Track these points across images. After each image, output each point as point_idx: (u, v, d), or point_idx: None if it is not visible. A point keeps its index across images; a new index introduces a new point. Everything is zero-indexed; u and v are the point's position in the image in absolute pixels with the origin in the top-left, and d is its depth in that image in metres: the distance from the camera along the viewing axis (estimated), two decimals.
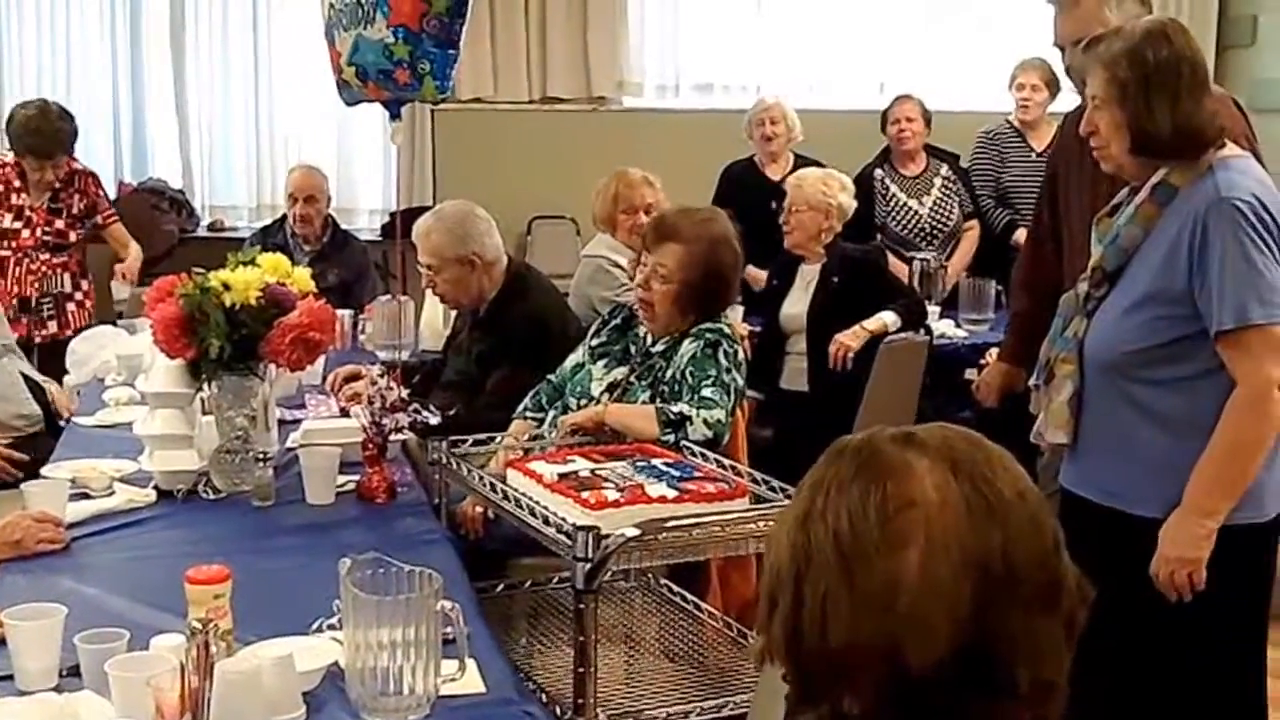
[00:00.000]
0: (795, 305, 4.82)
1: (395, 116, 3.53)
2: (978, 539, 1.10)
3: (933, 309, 5.25)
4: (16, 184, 5.21)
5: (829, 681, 1.13)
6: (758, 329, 4.93)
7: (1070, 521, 2.79)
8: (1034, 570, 1.12)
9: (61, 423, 4.03)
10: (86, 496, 3.09)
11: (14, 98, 6.76)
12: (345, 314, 4.94)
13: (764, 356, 4.79)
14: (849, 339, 4.59)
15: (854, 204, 4.92)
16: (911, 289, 5.09)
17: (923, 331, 4.83)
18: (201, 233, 7.74)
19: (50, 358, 4.92)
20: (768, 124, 5.94)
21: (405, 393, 3.19)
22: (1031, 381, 2.83)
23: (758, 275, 5.16)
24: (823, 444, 4.20)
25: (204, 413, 3.29)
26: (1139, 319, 2.58)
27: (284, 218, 5.64)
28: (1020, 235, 5.43)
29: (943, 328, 5.15)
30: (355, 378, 4.13)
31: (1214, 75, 8.29)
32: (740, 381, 3.34)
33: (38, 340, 5.08)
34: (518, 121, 7.84)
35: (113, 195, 7.85)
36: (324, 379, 4.19)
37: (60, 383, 4.40)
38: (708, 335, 3.33)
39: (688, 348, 3.34)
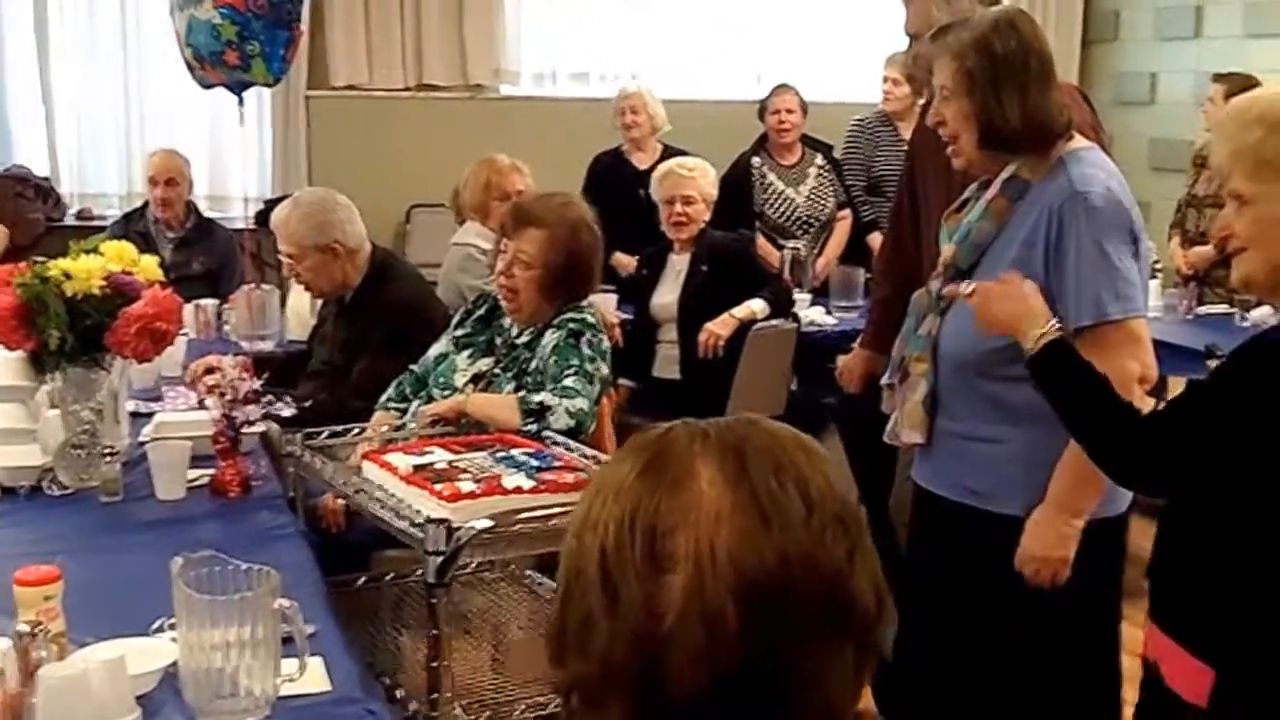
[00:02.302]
0: (666, 294, 4.78)
1: (240, 100, 3.41)
2: (752, 557, 0.99)
3: (803, 296, 5.25)
4: None
5: (589, 699, 1.05)
6: (629, 317, 4.89)
7: (925, 518, 2.80)
8: (817, 590, 1.01)
9: None
10: None
11: None
12: (210, 303, 4.81)
13: (636, 345, 4.75)
14: (718, 327, 4.56)
15: None
16: (778, 276, 5.07)
17: (791, 319, 4.81)
18: (70, 221, 7.50)
19: None
20: (628, 113, 5.92)
21: (260, 384, 3.08)
22: (884, 380, 2.80)
23: (627, 262, 5.11)
24: None
25: (51, 406, 3.15)
26: None
27: (146, 204, 5.47)
28: (875, 237, 5.47)
29: (812, 315, 5.14)
30: (215, 369, 4.01)
31: (1079, 70, 8.55)
32: (605, 370, 3.29)
33: None
34: (393, 109, 7.71)
35: None
36: (184, 370, 4.05)
37: None
38: (571, 325, 3.28)
39: (550, 338, 3.28)
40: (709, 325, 4.57)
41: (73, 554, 2.63)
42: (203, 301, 4.75)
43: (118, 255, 3.07)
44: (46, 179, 7.71)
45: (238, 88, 3.32)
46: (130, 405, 3.70)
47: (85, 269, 2.95)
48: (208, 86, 3.49)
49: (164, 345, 3.07)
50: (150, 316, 2.96)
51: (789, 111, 5.86)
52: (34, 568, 2.18)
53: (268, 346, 4.55)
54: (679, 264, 4.79)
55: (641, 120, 5.90)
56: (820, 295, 5.43)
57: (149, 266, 3.12)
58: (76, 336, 2.93)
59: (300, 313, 4.58)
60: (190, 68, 3.37)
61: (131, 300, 2.97)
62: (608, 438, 3.45)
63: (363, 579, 3.18)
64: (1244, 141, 1.94)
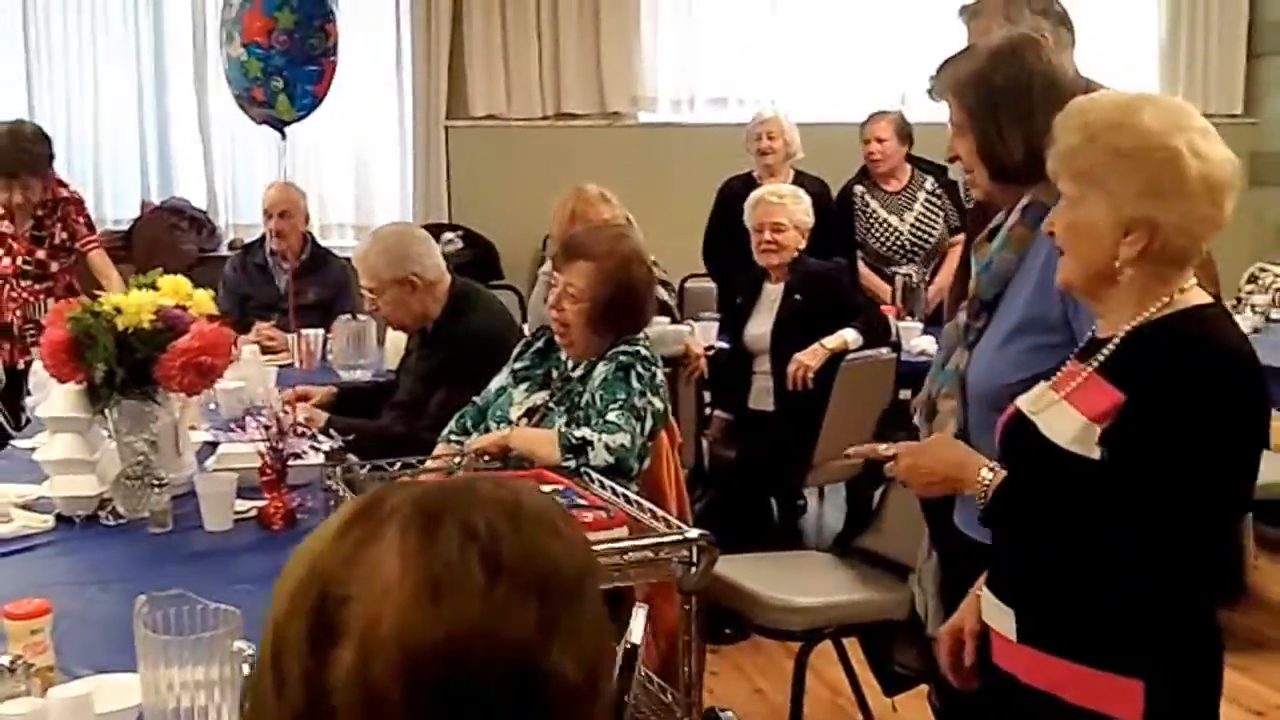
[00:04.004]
0: (759, 324, 4.69)
1: (283, 136, 3.44)
2: (417, 634, 0.92)
3: (914, 325, 5.08)
4: (0, 213, 5.21)
5: None
6: (727, 346, 4.81)
7: (970, 566, 2.65)
8: (497, 667, 0.93)
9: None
10: None
11: (45, 123, 6.80)
12: (312, 333, 4.88)
13: (732, 376, 4.67)
14: (807, 358, 4.45)
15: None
16: (874, 305, 4.92)
17: (890, 349, 4.67)
18: (222, 251, 7.75)
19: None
20: (764, 138, 5.81)
21: (306, 417, 3.10)
22: (915, 419, 2.67)
23: None
24: (788, 464, 4.09)
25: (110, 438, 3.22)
26: (1015, 349, 2.40)
27: (265, 236, 5.60)
28: None
29: (923, 344, 4.97)
30: (305, 399, 4.08)
31: (1244, 85, 8.14)
32: (658, 405, 3.21)
33: (20, 366, 5.03)
34: (532, 137, 7.77)
35: (136, 215, 7.94)
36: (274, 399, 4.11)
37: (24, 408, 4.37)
38: (621, 358, 3.21)
39: (600, 370, 3.22)
40: (798, 356, 4.46)
41: (107, 585, 2.69)
42: (306, 331, 4.83)
43: (173, 290, 3.12)
44: (203, 211, 7.99)
45: (277, 124, 3.35)
46: (209, 435, 3.78)
47: (136, 303, 3.00)
48: (259, 123, 3.53)
49: (212, 379, 3.11)
50: (196, 350, 2.99)
51: (879, 141, 5.70)
52: (25, 601, 2.21)
53: (365, 376, 4.60)
54: (773, 293, 4.69)
55: (777, 146, 5.79)
56: (933, 323, 5.25)
57: (203, 301, 3.17)
58: (127, 370, 2.99)
59: (397, 343, 4.62)
60: (240, 106, 3.42)
61: (180, 334, 3.02)
62: (668, 476, 3.37)
63: None
64: (1066, 144, 1.97)
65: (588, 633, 0.97)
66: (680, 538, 2.50)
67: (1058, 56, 2.46)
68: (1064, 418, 2.02)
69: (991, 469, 2.08)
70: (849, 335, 4.49)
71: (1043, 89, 2.33)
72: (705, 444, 4.84)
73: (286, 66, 3.05)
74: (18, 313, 5.17)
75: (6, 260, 5.17)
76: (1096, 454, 1.95)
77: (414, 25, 7.73)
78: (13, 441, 3.94)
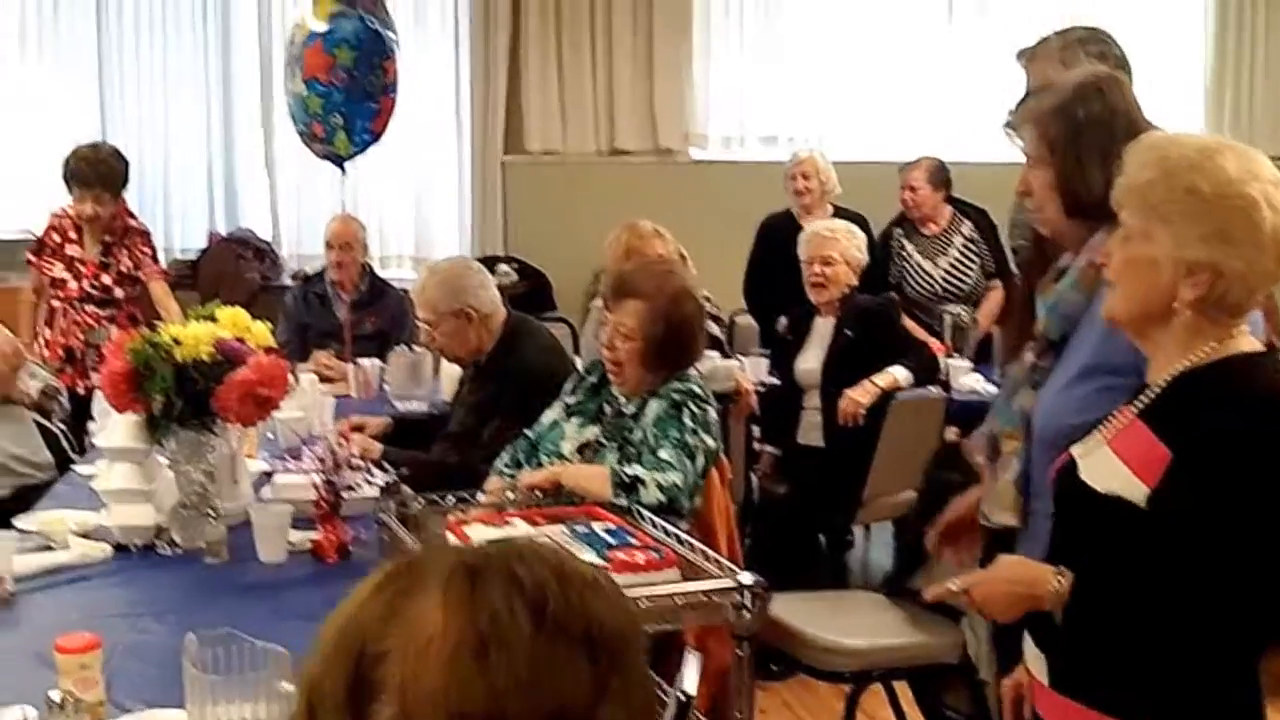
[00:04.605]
0: (810, 359, 4.59)
1: (343, 172, 3.39)
2: (460, 691, 0.85)
3: (963, 363, 4.96)
4: (72, 235, 5.19)
5: None
6: (777, 381, 4.71)
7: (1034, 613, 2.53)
8: None
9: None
10: (49, 549, 2.98)
11: None
12: (369, 363, 4.83)
13: (781, 411, 4.57)
14: (858, 394, 4.34)
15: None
16: (924, 344, 4.80)
17: (940, 387, 4.55)
18: (284, 281, 7.73)
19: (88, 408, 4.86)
20: (799, 178, 5.76)
21: (362, 447, 3.02)
22: (977, 458, 2.57)
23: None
24: (837, 500, 3.98)
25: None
26: (1083, 391, 2.30)
27: (326, 267, 5.56)
28: None
29: (971, 383, 4.85)
30: (361, 429, 4.01)
31: None
32: (710, 442, 3.12)
33: (80, 390, 4.99)
34: (586, 173, 7.71)
35: (203, 245, 7.95)
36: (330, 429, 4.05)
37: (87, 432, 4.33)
38: (674, 395, 3.12)
39: (653, 407, 3.13)
40: (849, 392, 4.35)
41: (160, 616, 2.63)
42: (362, 361, 4.78)
43: (231, 321, 3.07)
44: (267, 241, 7.98)
45: (336, 160, 3.30)
46: (266, 464, 3.72)
47: (194, 335, 2.95)
48: (321, 157, 3.48)
49: (268, 410, 3.05)
50: (253, 382, 2.94)
51: (912, 189, 5.60)
52: (76, 635, 2.15)
53: (420, 407, 4.54)
54: (823, 328, 4.59)
55: (813, 185, 5.74)
56: (981, 362, 5.13)
57: (261, 333, 3.11)
58: (185, 401, 2.93)
59: (452, 375, 4.55)
60: (303, 141, 3.37)
61: (237, 366, 2.96)
62: (719, 513, 3.27)
63: None
64: (1142, 177, 1.91)
65: (637, 691, 0.90)
66: (734, 583, 2.40)
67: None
68: (1105, 463, 1.95)
69: (1059, 576, 1.97)
70: (900, 373, 4.38)
71: (1124, 127, 2.24)
72: (754, 479, 4.74)
73: (345, 103, 3.00)
74: (80, 337, 5.14)
75: (73, 284, 5.15)
76: (1138, 500, 1.87)
77: (473, 63, 7.72)
78: (74, 466, 3.89)
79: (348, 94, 3.00)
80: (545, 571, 0.91)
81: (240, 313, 3.11)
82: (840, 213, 5.60)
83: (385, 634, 0.88)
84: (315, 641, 0.93)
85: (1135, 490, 1.87)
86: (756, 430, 4.84)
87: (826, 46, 7.72)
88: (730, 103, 7.84)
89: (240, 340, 3.04)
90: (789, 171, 5.86)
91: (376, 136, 3.02)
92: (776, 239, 5.72)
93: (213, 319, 3.06)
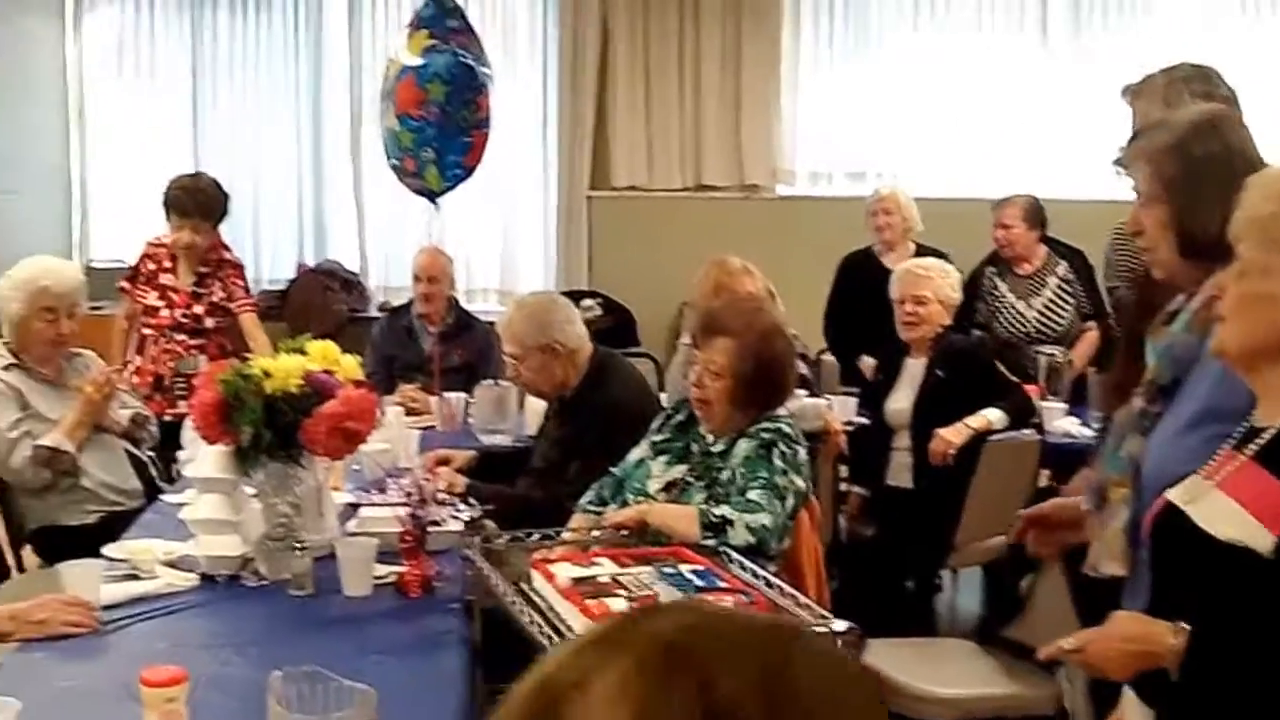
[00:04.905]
0: (900, 399, 4.50)
1: (436, 207, 3.38)
2: None
3: (1058, 405, 4.85)
4: (167, 264, 5.25)
5: None
6: (867, 422, 4.63)
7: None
8: None
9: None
10: (136, 577, 2.99)
11: None
12: (455, 396, 4.82)
13: (871, 451, 4.49)
14: (951, 435, 4.25)
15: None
16: (1019, 385, 4.69)
17: (1035, 430, 4.44)
18: (371, 312, 7.79)
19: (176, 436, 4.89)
20: (880, 214, 5.70)
21: (447, 481, 3.00)
22: (1084, 505, 2.48)
23: (870, 364, 4.86)
24: (926, 544, 3.88)
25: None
26: (1195, 438, 2.20)
27: (413, 299, 5.57)
28: None
29: (1066, 426, 4.73)
30: (446, 462, 3.99)
31: None
32: (800, 484, 3.06)
33: (168, 418, 5.03)
34: (672, 208, 7.70)
35: (291, 276, 8.03)
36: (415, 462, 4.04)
37: (174, 460, 4.35)
38: (763, 435, 3.07)
39: (743, 447, 3.08)
40: (941, 432, 4.26)
41: (244, 649, 2.62)
42: (448, 395, 4.78)
43: (321, 355, 3.06)
44: (355, 273, 8.05)
45: (429, 194, 3.29)
46: (352, 496, 3.71)
47: (284, 368, 2.95)
48: (415, 191, 3.48)
49: (356, 444, 3.04)
50: (342, 415, 2.93)
51: (1005, 227, 5.50)
52: (161, 668, 2.14)
53: (505, 441, 4.52)
54: (915, 368, 4.51)
55: (894, 221, 5.68)
56: (1077, 405, 5.00)
57: (350, 366, 3.11)
58: (274, 433, 2.93)
59: (536, 409, 4.53)
60: (396, 175, 3.38)
61: (326, 399, 2.95)
62: (808, 555, 3.21)
63: None
64: (1265, 210, 1.87)
65: None
66: (826, 629, 2.34)
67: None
68: (1221, 508, 1.86)
69: (1174, 631, 1.88)
70: (993, 415, 4.28)
71: (1241, 165, 2.16)
72: (841, 520, 4.66)
73: (437, 138, 2.99)
74: (170, 364, 5.18)
75: (165, 312, 5.20)
76: (1263, 549, 1.78)
77: (560, 98, 7.75)
78: (162, 495, 3.91)
79: (440, 129, 3.00)
80: (754, 686, 0.80)
81: (330, 346, 3.11)
82: (922, 250, 5.52)
83: (570, 699, 0.82)
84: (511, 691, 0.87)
85: (1260, 538, 1.79)
86: (844, 470, 4.76)
87: (917, 80, 7.65)
88: (818, 138, 7.79)
89: (329, 373, 3.04)
90: (870, 208, 5.82)
91: (469, 171, 3.01)
92: (856, 276, 5.69)
93: (303, 352, 3.05)
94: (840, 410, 4.72)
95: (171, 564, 3.07)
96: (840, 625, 2.35)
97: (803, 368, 4.54)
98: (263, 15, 7.99)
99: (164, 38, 8.12)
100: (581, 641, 0.88)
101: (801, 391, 4.38)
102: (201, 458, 3.09)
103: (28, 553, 4.12)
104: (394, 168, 3.08)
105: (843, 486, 4.76)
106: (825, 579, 3.38)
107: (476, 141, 3.03)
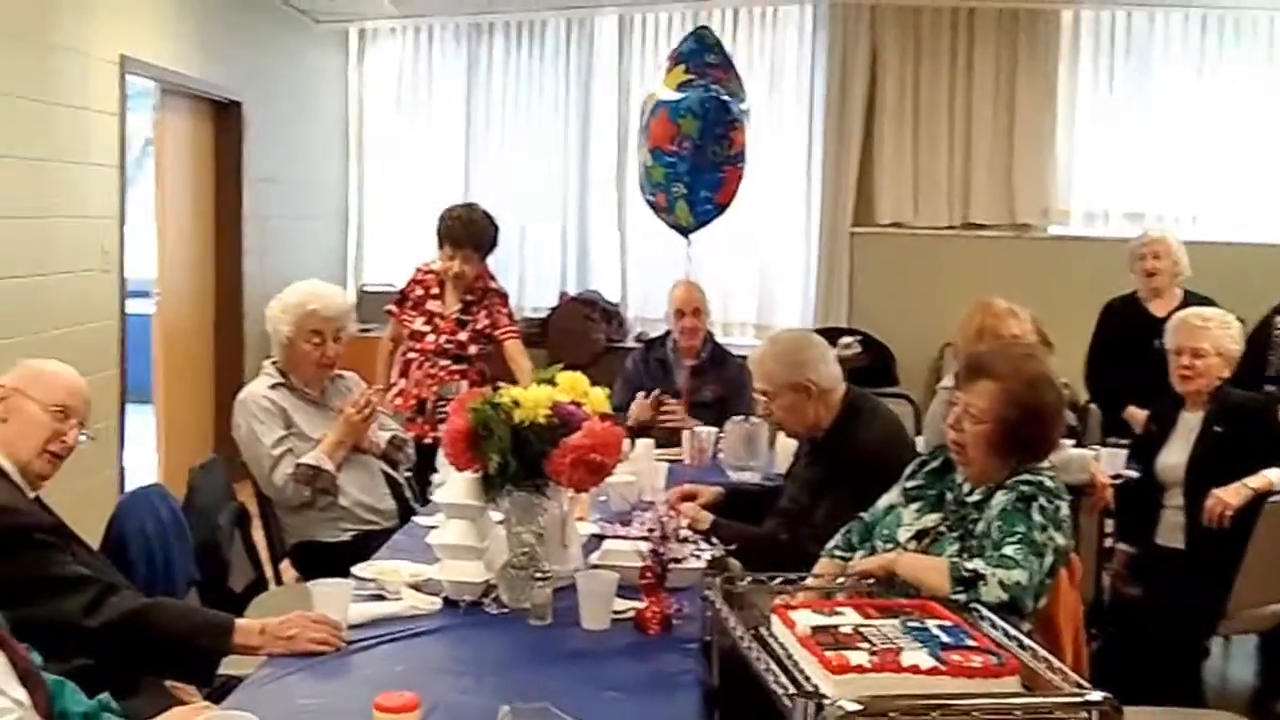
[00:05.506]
0: (1174, 454, 4.23)
1: (688, 243, 3.34)
2: None
3: None
4: (435, 291, 5.39)
5: None
6: (1136, 475, 4.37)
7: None
8: None
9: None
10: (382, 598, 3.05)
11: None
12: (704, 431, 4.79)
13: (1139, 508, 4.23)
14: (1228, 495, 3.96)
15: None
16: None
17: None
18: (628, 343, 7.87)
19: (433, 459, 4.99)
20: (1149, 258, 5.44)
21: (692, 516, 2.95)
22: None
23: (1139, 416, 4.60)
24: (1197, 608, 3.63)
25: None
26: None
27: (668, 332, 5.57)
28: None
29: None
30: (692, 498, 3.95)
31: None
32: (1060, 541, 2.88)
33: (428, 441, 5.13)
34: (937, 246, 7.53)
35: (554, 304, 8.19)
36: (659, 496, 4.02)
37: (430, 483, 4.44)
38: (1023, 488, 2.90)
39: (1000, 499, 2.92)
40: (1217, 492, 3.98)
41: (480, 677, 2.62)
42: (699, 429, 4.74)
43: (570, 386, 3.07)
44: (614, 304, 8.15)
45: (681, 230, 3.26)
46: (596, 527, 3.71)
47: (533, 398, 2.96)
48: (669, 226, 3.46)
49: (601, 477, 3.03)
50: (586, 448, 2.92)
51: None
52: (396, 694, 2.16)
53: (754, 478, 4.45)
54: (1191, 421, 4.23)
55: (1164, 266, 5.42)
56: None
57: (598, 398, 3.11)
58: (520, 462, 2.94)
59: (786, 448, 4.45)
60: (651, 209, 3.36)
61: (572, 430, 2.95)
62: (1066, 615, 3.02)
63: None
64: None
65: None
66: (1081, 699, 2.18)
67: None
68: None
69: None
70: (1275, 476, 3.98)
71: None
72: (1105, 579, 4.41)
73: (689, 173, 2.95)
74: (432, 389, 5.30)
75: (431, 337, 5.33)
76: None
77: (826, 133, 7.68)
78: (415, 517, 4.00)
79: (692, 163, 2.95)
80: None
81: (579, 377, 3.11)
82: (1190, 296, 5.21)
83: None
84: None
85: None
86: (1110, 525, 4.50)
87: (1202, 116, 7.26)
88: (1094, 176, 7.49)
89: (577, 405, 3.04)
90: (1137, 251, 5.56)
91: (720, 208, 2.95)
92: (1119, 323, 5.44)
93: (552, 382, 3.06)
94: (1108, 463, 4.47)
95: (416, 586, 3.12)
96: (1096, 695, 2.19)
97: (1070, 417, 4.33)
98: (535, 45, 8.19)
99: (440, 68, 8.43)
100: None
101: (1068, 441, 4.18)
102: (451, 483, 3.13)
103: (285, 566, 4.28)
104: (649, 203, 3.06)
105: (1108, 543, 4.51)
106: (1084, 640, 3.18)
107: (729, 177, 2.97)
